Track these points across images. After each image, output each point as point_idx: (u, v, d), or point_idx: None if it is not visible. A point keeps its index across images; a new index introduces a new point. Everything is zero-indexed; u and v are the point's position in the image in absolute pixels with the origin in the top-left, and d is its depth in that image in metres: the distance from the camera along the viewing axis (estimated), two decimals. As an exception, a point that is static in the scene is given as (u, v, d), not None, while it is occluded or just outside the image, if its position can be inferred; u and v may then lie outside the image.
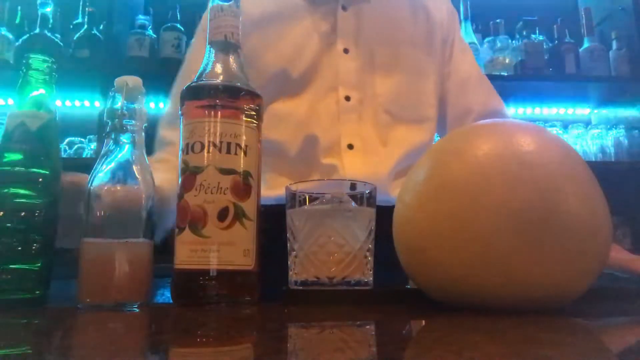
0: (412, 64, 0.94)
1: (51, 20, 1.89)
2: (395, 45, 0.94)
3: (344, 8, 0.93)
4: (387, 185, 0.85)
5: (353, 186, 0.59)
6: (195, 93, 0.54)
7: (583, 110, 2.28)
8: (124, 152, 0.53)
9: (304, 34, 0.92)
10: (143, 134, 0.55)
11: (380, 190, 0.61)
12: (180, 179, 0.53)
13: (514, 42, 2.09)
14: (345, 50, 0.92)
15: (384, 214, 0.55)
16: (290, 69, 0.90)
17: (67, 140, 1.93)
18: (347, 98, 0.90)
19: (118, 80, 0.55)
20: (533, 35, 2.08)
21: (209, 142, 0.51)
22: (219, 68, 0.55)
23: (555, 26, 2.12)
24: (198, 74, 0.55)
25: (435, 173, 0.46)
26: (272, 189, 0.82)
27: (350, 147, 0.88)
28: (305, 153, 0.88)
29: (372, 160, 0.87)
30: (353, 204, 0.56)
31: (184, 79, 0.89)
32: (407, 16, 0.97)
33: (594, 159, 2.01)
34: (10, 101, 2.02)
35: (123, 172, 0.53)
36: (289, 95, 0.91)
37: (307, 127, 0.88)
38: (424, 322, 0.44)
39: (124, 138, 0.54)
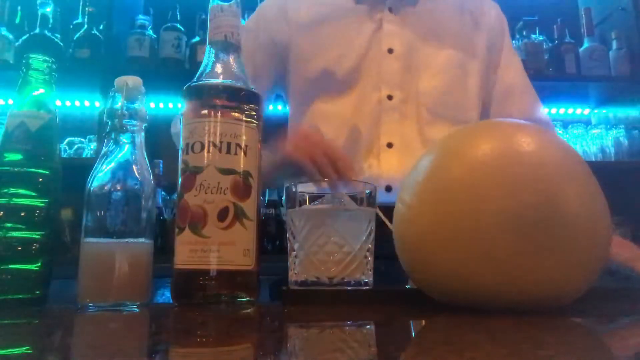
0: (456, 65, 0.95)
1: (51, 20, 1.89)
2: (440, 46, 0.95)
3: (390, 10, 0.94)
4: None
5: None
6: (195, 93, 0.54)
7: (583, 110, 2.28)
8: (124, 152, 0.53)
9: (350, 35, 0.93)
10: (143, 134, 0.55)
11: None
12: (180, 179, 0.53)
13: (514, 42, 2.09)
14: (390, 50, 0.93)
15: None
16: (336, 70, 0.92)
17: (67, 140, 1.93)
18: (390, 97, 0.91)
19: (118, 80, 0.55)
20: (533, 35, 2.08)
21: (209, 142, 0.51)
22: (219, 68, 0.55)
23: (555, 26, 2.12)
24: (198, 74, 0.55)
25: (435, 173, 0.46)
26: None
27: (390, 145, 0.89)
28: (347, 149, 0.89)
29: (408, 160, 0.88)
30: (353, 204, 0.56)
31: None
32: (453, 18, 0.98)
33: (594, 159, 2.00)
34: (10, 101, 2.02)
35: (123, 172, 0.53)
36: (333, 95, 0.93)
37: (351, 124, 0.90)
38: (424, 322, 0.44)
39: (124, 138, 0.54)
